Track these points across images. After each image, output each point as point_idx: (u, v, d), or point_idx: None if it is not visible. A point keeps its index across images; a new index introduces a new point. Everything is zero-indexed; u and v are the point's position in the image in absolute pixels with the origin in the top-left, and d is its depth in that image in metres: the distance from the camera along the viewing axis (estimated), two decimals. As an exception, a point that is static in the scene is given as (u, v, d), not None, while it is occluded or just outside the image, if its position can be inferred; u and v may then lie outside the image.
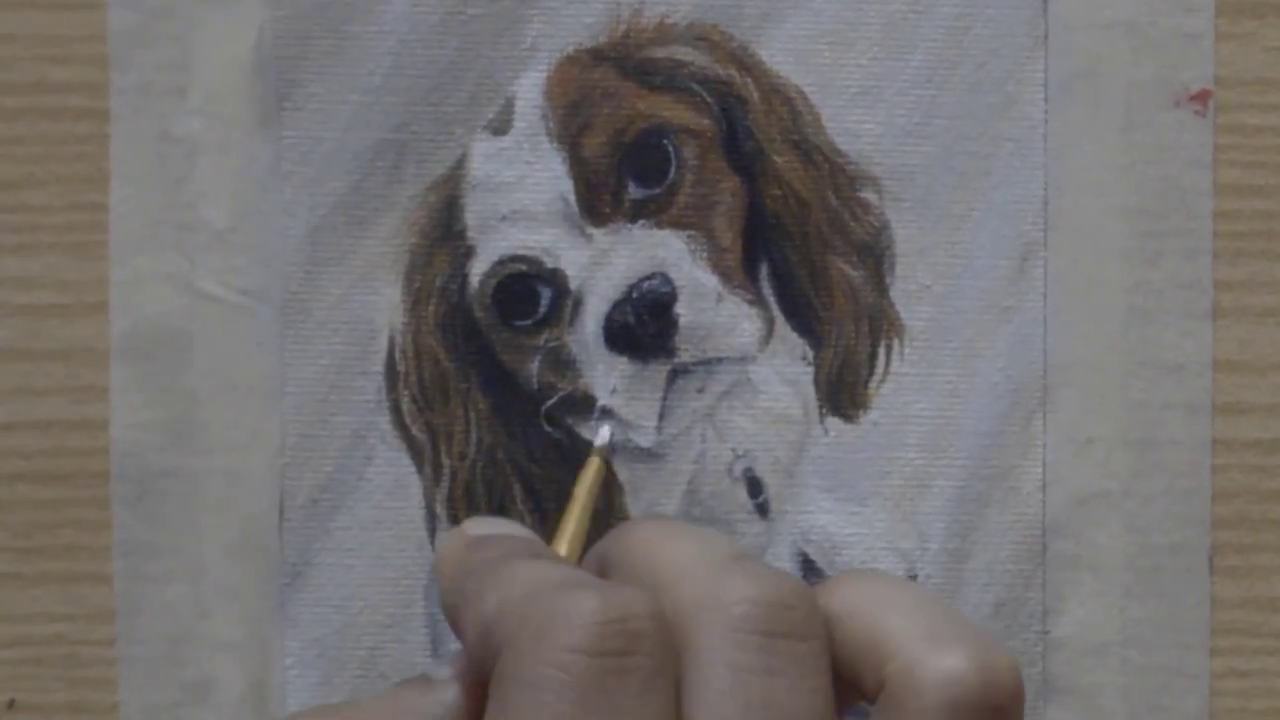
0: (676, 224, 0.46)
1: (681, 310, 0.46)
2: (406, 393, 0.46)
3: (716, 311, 0.46)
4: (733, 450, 0.47)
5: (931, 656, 0.34)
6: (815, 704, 0.35)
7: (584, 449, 0.46)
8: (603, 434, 0.45)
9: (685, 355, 0.46)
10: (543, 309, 0.46)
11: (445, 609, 0.38)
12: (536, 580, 0.36)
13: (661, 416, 0.46)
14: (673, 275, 0.46)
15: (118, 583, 0.46)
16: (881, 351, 0.47)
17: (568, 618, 0.34)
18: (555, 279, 0.46)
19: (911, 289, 0.47)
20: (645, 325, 0.46)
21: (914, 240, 0.47)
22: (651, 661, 0.34)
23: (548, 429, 0.46)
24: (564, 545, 0.40)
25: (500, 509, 0.46)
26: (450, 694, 0.37)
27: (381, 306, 0.46)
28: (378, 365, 0.46)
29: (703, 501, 0.47)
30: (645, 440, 0.46)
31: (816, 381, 0.47)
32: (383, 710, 0.37)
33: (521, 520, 0.46)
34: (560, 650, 0.34)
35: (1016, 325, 0.47)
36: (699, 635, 0.35)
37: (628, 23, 0.46)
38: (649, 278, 0.46)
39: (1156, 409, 0.47)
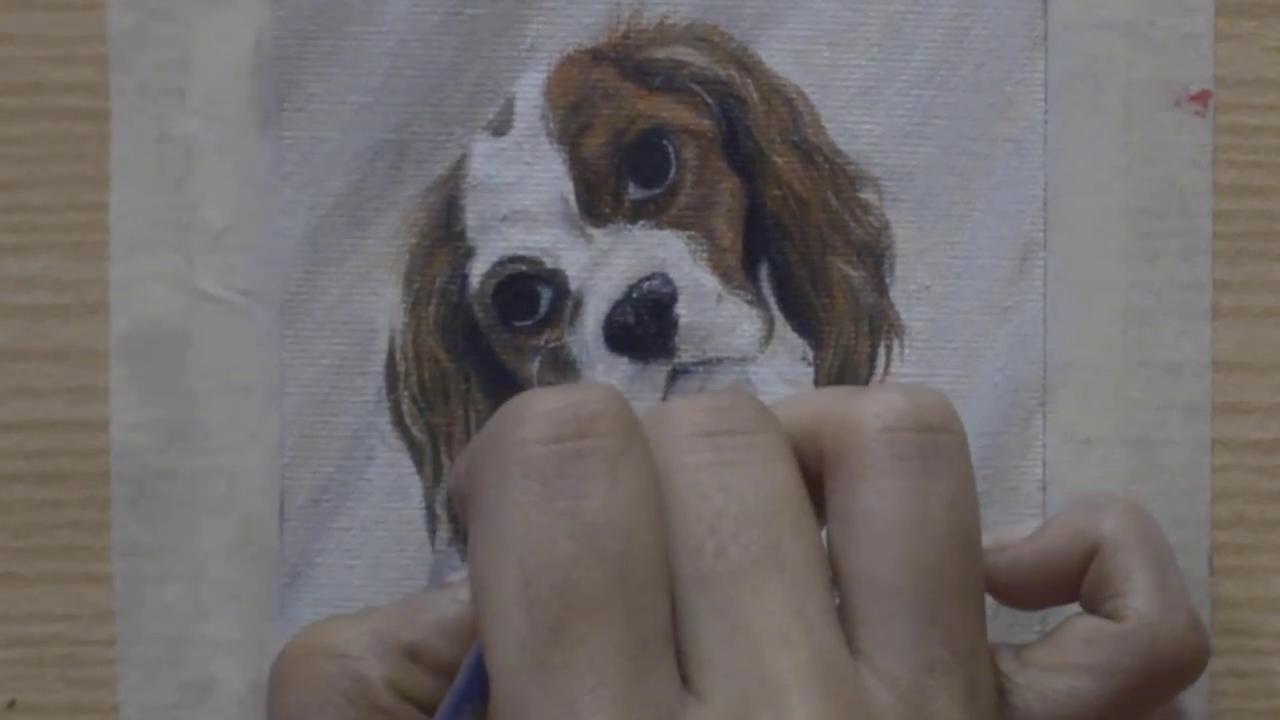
0: (676, 224, 0.46)
1: (681, 311, 0.46)
2: (407, 393, 0.46)
3: (717, 312, 0.46)
4: (733, 450, 0.47)
5: (869, 398, 0.38)
6: (774, 482, 0.36)
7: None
8: None
9: (685, 356, 0.46)
10: (543, 309, 0.46)
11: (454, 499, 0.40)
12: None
13: (661, 417, 0.46)
14: (673, 275, 0.46)
15: (117, 583, 0.46)
16: (881, 352, 0.47)
17: (521, 415, 0.35)
18: (555, 279, 0.46)
19: (911, 289, 0.47)
20: (645, 326, 0.46)
21: (914, 240, 0.47)
22: (613, 441, 0.35)
23: (548, 429, 0.46)
24: None
25: (500, 509, 0.46)
26: (466, 593, 0.37)
27: (381, 307, 0.46)
28: (378, 366, 0.46)
29: (703, 502, 0.47)
30: (645, 440, 0.46)
31: (816, 382, 0.47)
32: (401, 611, 0.38)
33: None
34: (517, 446, 0.35)
35: (1016, 325, 0.47)
36: (656, 452, 0.36)
37: (627, 23, 0.46)
38: (649, 278, 0.46)
39: (1155, 409, 0.47)
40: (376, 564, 0.46)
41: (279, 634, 0.46)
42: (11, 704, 0.46)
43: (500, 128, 0.46)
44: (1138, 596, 0.40)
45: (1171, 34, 0.46)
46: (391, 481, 0.46)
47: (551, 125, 0.46)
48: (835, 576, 0.37)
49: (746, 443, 0.36)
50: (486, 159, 0.46)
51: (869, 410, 0.37)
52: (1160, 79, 0.47)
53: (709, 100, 0.46)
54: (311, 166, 0.46)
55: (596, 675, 0.33)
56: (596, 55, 0.46)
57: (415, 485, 0.46)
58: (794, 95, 0.47)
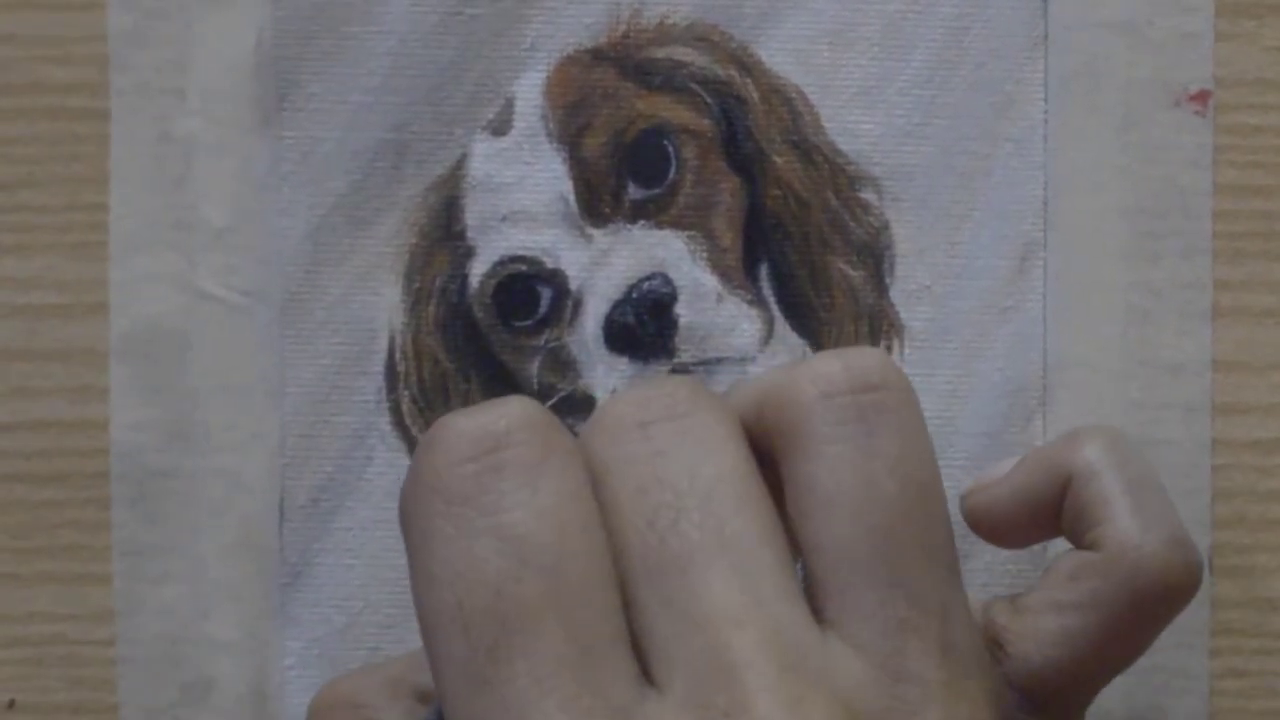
0: (676, 224, 0.46)
1: (681, 310, 0.46)
2: (406, 393, 0.46)
3: (716, 312, 0.46)
4: (733, 450, 0.47)
5: (805, 368, 0.36)
6: (713, 462, 0.35)
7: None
8: None
9: (685, 356, 0.46)
10: (543, 309, 0.46)
11: None
12: None
13: (661, 417, 0.46)
14: (673, 275, 0.46)
15: (117, 583, 0.46)
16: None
17: (434, 442, 0.35)
18: (555, 279, 0.46)
19: (911, 289, 0.47)
20: (645, 325, 0.46)
21: (913, 240, 0.47)
22: (528, 450, 0.34)
23: (548, 429, 0.46)
24: None
25: (500, 509, 0.46)
26: None
27: (381, 307, 0.46)
28: (378, 365, 0.46)
29: (703, 501, 0.47)
30: (645, 440, 0.46)
31: (816, 382, 0.47)
32: (411, 658, 0.39)
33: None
34: (433, 473, 0.35)
35: (1016, 325, 0.47)
36: (587, 449, 0.36)
37: (627, 23, 0.46)
38: (649, 278, 0.46)
39: (1155, 409, 0.47)
40: (376, 563, 0.46)
41: (279, 634, 0.46)
42: (11, 704, 0.46)
43: (500, 127, 0.46)
44: (1114, 523, 0.39)
45: (1171, 34, 0.47)
46: (391, 481, 0.46)
47: (551, 125, 0.46)
48: (797, 549, 0.36)
49: (681, 427, 0.35)
50: (486, 159, 0.46)
51: (805, 380, 0.36)
52: (1160, 79, 0.47)
53: (709, 100, 0.46)
54: (311, 166, 0.46)
55: (540, 686, 0.33)
56: (596, 55, 0.46)
57: (415, 485, 0.46)
58: (794, 95, 0.47)
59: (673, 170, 0.46)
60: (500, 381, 0.46)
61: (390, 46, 0.46)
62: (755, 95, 0.46)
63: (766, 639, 0.34)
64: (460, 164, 0.46)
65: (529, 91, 0.46)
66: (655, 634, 0.34)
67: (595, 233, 0.46)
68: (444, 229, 0.46)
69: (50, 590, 0.46)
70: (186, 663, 0.46)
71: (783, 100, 0.47)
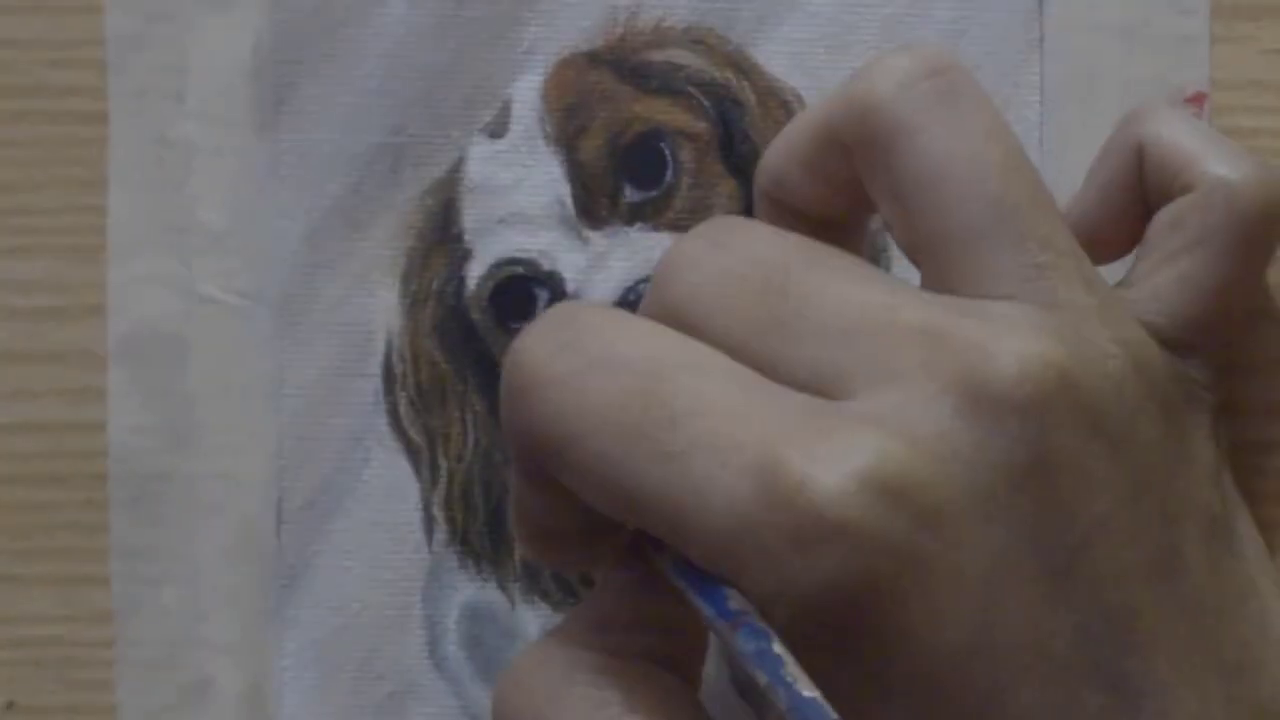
0: (673, 227, 0.46)
1: (678, 312, 0.46)
2: (404, 395, 0.46)
3: (713, 314, 0.46)
4: (729, 452, 0.47)
5: (871, 71, 0.38)
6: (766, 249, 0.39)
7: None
8: None
9: (682, 357, 0.46)
10: (539, 312, 0.46)
11: None
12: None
13: (658, 419, 0.46)
14: (669, 278, 0.46)
15: (115, 585, 0.46)
16: (878, 354, 0.47)
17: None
18: (552, 282, 0.46)
19: (908, 291, 0.47)
20: (642, 328, 0.46)
21: (910, 243, 0.47)
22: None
23: (545, 431, 0.46)
24: None
25: (497, 512, 0.46)
26: None
27: (378, 309, 0.47)
28: (375, 368, 0.47)
29: (699, 503, 0.47)
30: (642, 442, 0.46)
31: (813, 383, 0.47)
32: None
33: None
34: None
35: (1013, 327, 0.47)
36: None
37: (624, 26, 0.47)
38: (645, 280, 0.46)
39: (1153, 411, 0.47)
40: (374, 565, 0.46)
41: (277, 635, 0.46)
42: (10, 705, 0.46)
43: (497, 130, 0.46)
44: (1199, 163, 0.40)
45: (1168, 36, 0.47)
46: (389, 483, 0.46)
47: (548, 128, 0.46)
48: (911, 252, 0.38)
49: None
50: (483, 161, 0.46)
51: (877, 81, 0.38)
52: (1157, 81, 0.47)
53: (705, 103, 0.46)
54: (309, 169, 0.46)
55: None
56: (593, 58, 0.46)
57: (412, 487, 0.46)
58: (791, 98, 0.47)
59: (669, 173, 0.46)
60: (497, 384, 0.46)
61: (387, 49, 0.46)
62: (752, 98, 0.47)
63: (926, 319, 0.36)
64: (457, 166, 0.46)
65: (526, 94, 0.46)
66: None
67: (592, 235, 0.46)
68: (441, 231, 0.46)
69: (48, 592, 0.46)
70: (184, 664, 0.46)
71: (780, 103, 0.47)
